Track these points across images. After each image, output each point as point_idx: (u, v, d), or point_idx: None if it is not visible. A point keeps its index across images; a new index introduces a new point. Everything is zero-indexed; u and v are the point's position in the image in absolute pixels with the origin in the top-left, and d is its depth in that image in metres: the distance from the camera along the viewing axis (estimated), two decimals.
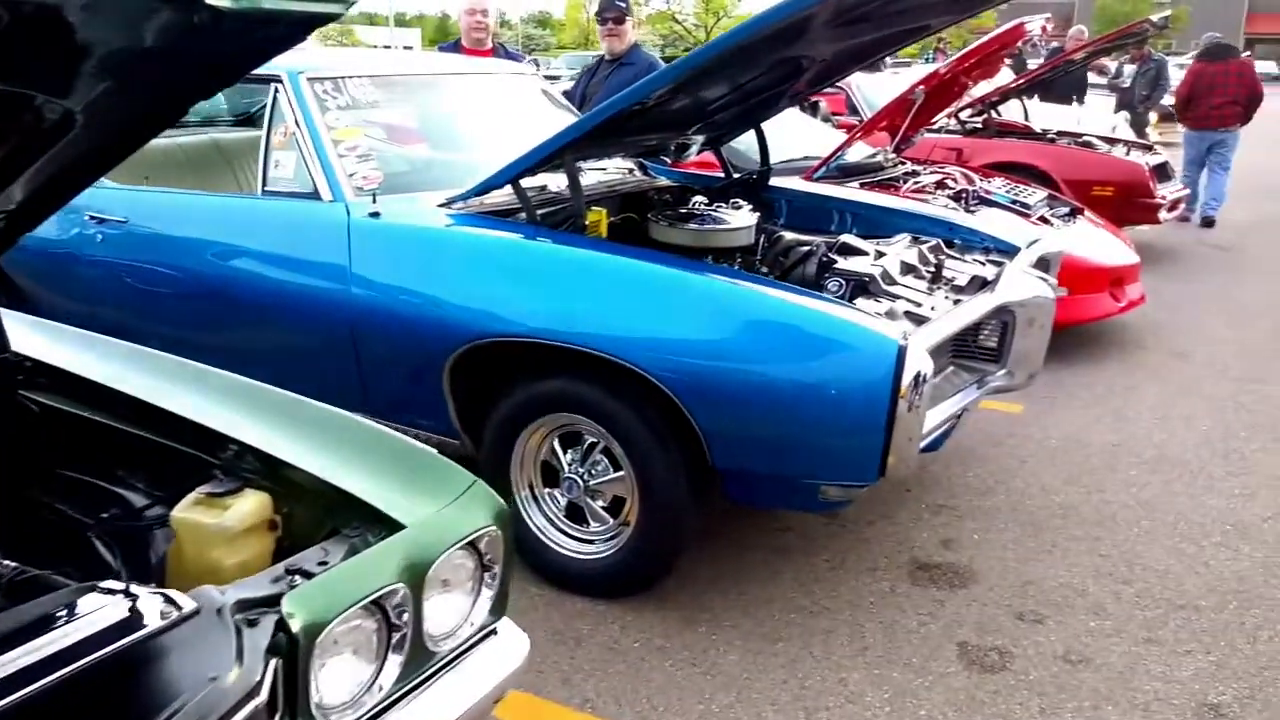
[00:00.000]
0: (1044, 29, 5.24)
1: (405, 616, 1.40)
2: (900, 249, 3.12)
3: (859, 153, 5.50)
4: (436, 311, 2.70)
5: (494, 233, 2.75)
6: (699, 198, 3.67)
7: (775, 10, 2.31)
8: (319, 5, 1.21)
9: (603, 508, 2.74)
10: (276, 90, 3.09)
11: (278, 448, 1.57)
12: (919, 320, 2.58)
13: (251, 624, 1.26)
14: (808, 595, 2.80)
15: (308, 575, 1.36)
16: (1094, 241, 5.05)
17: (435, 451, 1.62)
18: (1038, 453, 3.78)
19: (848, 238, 3.15)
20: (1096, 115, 9.45)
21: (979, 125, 7.22)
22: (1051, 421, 4.10)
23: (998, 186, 5.24)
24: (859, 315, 2.33)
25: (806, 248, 3.17)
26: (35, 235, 3.44)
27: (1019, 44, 5.29)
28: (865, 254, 3.02)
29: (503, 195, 2.97)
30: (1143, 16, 7.24)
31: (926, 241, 3.24)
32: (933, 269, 2.99)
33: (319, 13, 1.22)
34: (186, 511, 1.50)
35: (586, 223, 2.99)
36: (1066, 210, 5.35)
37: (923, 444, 2.59)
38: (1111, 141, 7.26)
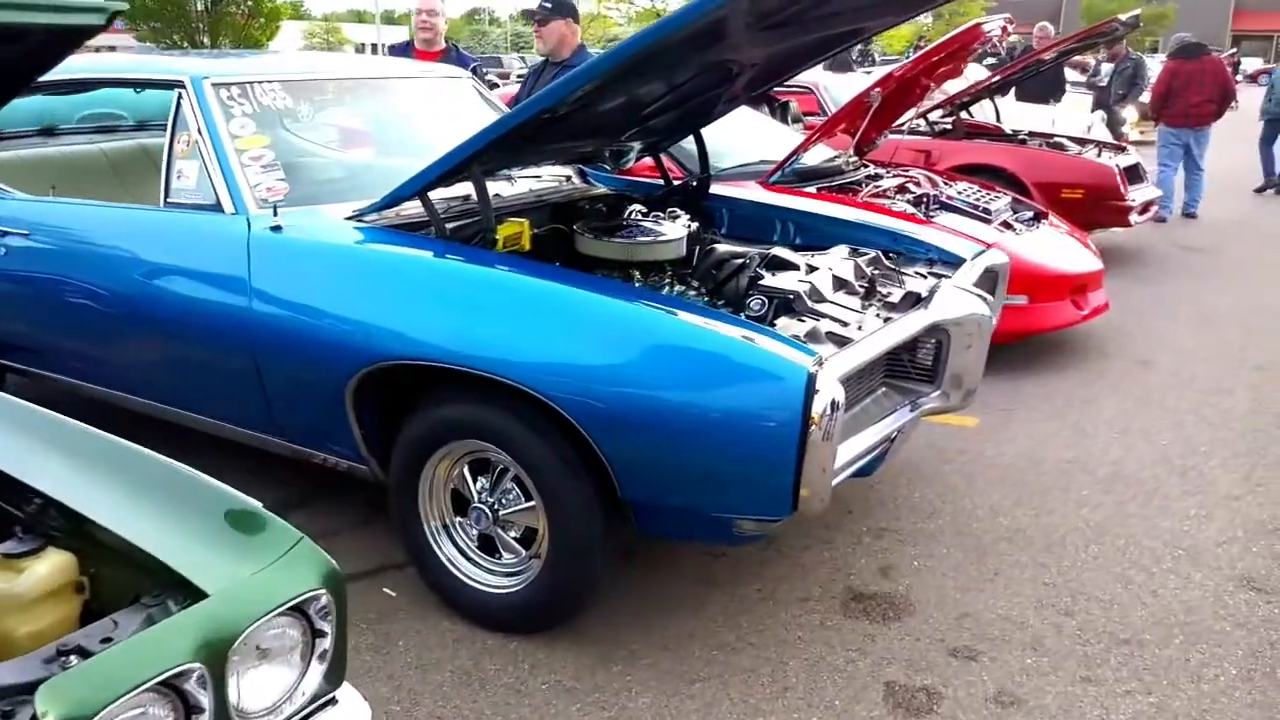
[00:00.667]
0: (1004, 29, 5.10)
1: (205, 697, 1.24)
2: (835, 262, 2.97)
3: (819, 156, 5.36)
4: (336, 332, 2.55)
5: (395, 249, 2.60)
6: (636, 207, 3.53)
7: (676, 16, 2.17)
8: (73, 17, 1.06)
9: (515, 539, 2.60)
10: (180, 96, 2.93)
11: (87, 501, 1.42)
12: (842, 341, 2.43)
13: (7, 716, 1.11)
14: (734, 629, 2.65)
15: (85, 654, 1.21)
16: (1056, 247, 4.91)
17: (260, 506, 1.47)
18: (988, 470, 3.64)
19: (779, 250, 3.00)
20: (1072, 115, 9.32)
21: (948, 126, 7.08)
22: (1006, 436, 3.96)
23: (960, 191, 5.09)
24: (767, 340, 2.18)
25: (740, 260, 3.03)
26: None
27: (977, 44, 5.15)
28: (796, 268, 2.87)
29: (419, 207, 2.82)
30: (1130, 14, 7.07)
31: (865, 254, 3.10)
32: (866, 284, 2.84)
33: (74, 25, 1.07)
34: None
35: (503, 235, 2.84)
36: (1030, 215, 5.21)
37: (848, 472, 2.45)
38: (1083, 142, 7.12)
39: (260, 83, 3.04)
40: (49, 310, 3.18)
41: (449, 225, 2.82)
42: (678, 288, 2.99)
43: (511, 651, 2.55)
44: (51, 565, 1.37)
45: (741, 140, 5.38)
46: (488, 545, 2.64)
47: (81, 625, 1.37)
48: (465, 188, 3.10)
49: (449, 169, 2.59)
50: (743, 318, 2.60)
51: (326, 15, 66.51)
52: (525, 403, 2.33)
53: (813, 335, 2.44)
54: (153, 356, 3.01)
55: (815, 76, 7.44)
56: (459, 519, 2.65)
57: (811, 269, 2.88)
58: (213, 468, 3.22)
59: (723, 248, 3.14)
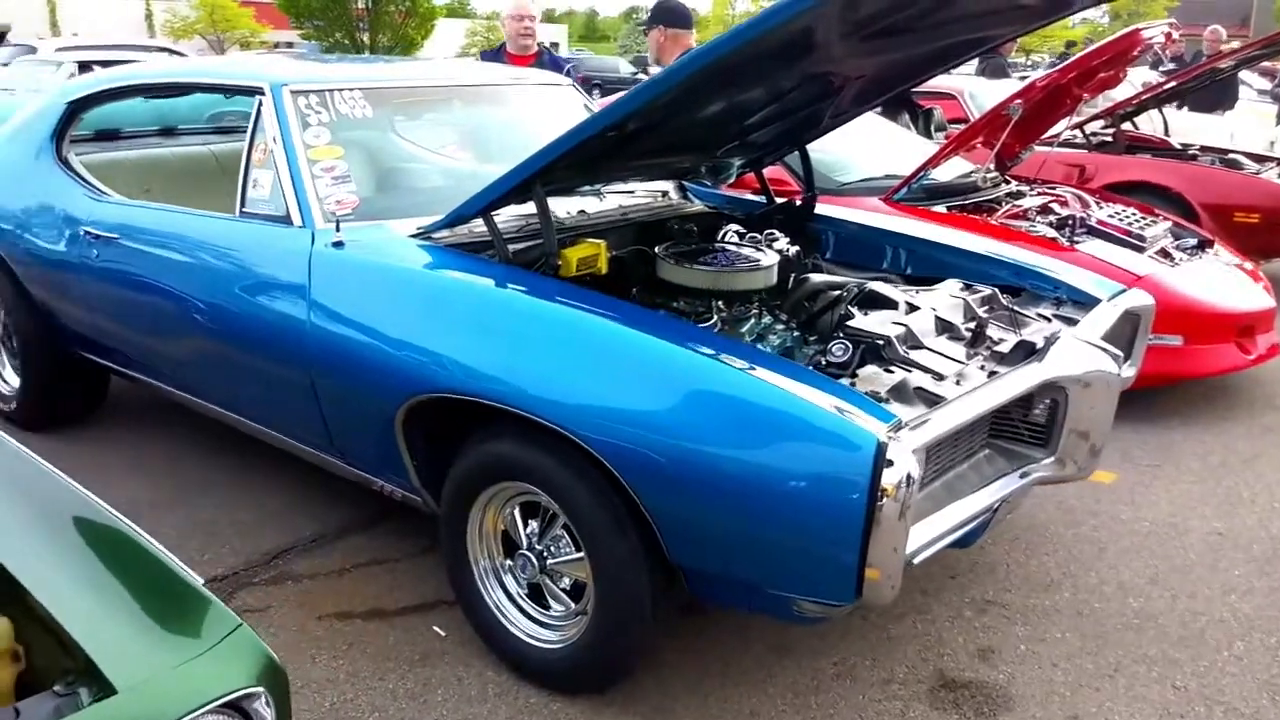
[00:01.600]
0: (1168, 36, 4.56)
1: None
2: (942, 300, 2.64)
3: (954, 170, 4.95)
4: (386, 357, 2.41)
5: (444, 272, 2.44)
6: (732, 227, 3.27)
7: (736, 32, 1.92)
8: None
9: (564, 590, 2.40)
10: (260, 103, 2.86)
11: (26, 565, 1.29)
12: (933, 400, 2.12)
13: None
14: (800, 709, 2.37)
15: None
16: (1219, 281, 4.35)
17: (201, 584, 1.30)
18: (1122, 538, 3.21)
19: (877, 285, 2.68)
20: (1252, 128, 8.44)
21: (1107, 139, 6.48)
22: (1147, 498, 3.50)
23: (1113, 214, 4.59)
24: (834, 398, 1.89)
25: (836, 292, 2.73)
26: (45, 250, 3.37)
27: (1136, 51, 4.62)
28: (893, 306, 2.56)
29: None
30: None
31: (980, 291, 2.75)
32: (974, 328, 2.50)
33: None
34: None
35: (575, 257, 2.64)
36: (1193, 242, 4.65)
37: (936, 547, 2.13)
38: (1263, 160, 6.38)
39: (340, 90, 2.93)
40: (134, 313, 3.18)
41: (519, 245, 2.65)
42: (764, 320, 2.73)
43: (553, 713, 2.35)
44: None
45: (867, 152, 5.03)
46: (538, 594, 2.45)
47: (17, 696, 1.24)
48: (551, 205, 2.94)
49: (510, 188, 2.40)
50: (823, 363, 2.32)
51: (490, 14, 68.38)
52: (570, 446, 2.12)
53: (899, 391, 2.13)
54: (224, 367, 2.96)
55: (960, 82, 6.97)
56: (509, 562, 2.47)
57: (912, 308, 2.56)
58: (289, 483, 3.16)
59: (817, 278, 2.85)
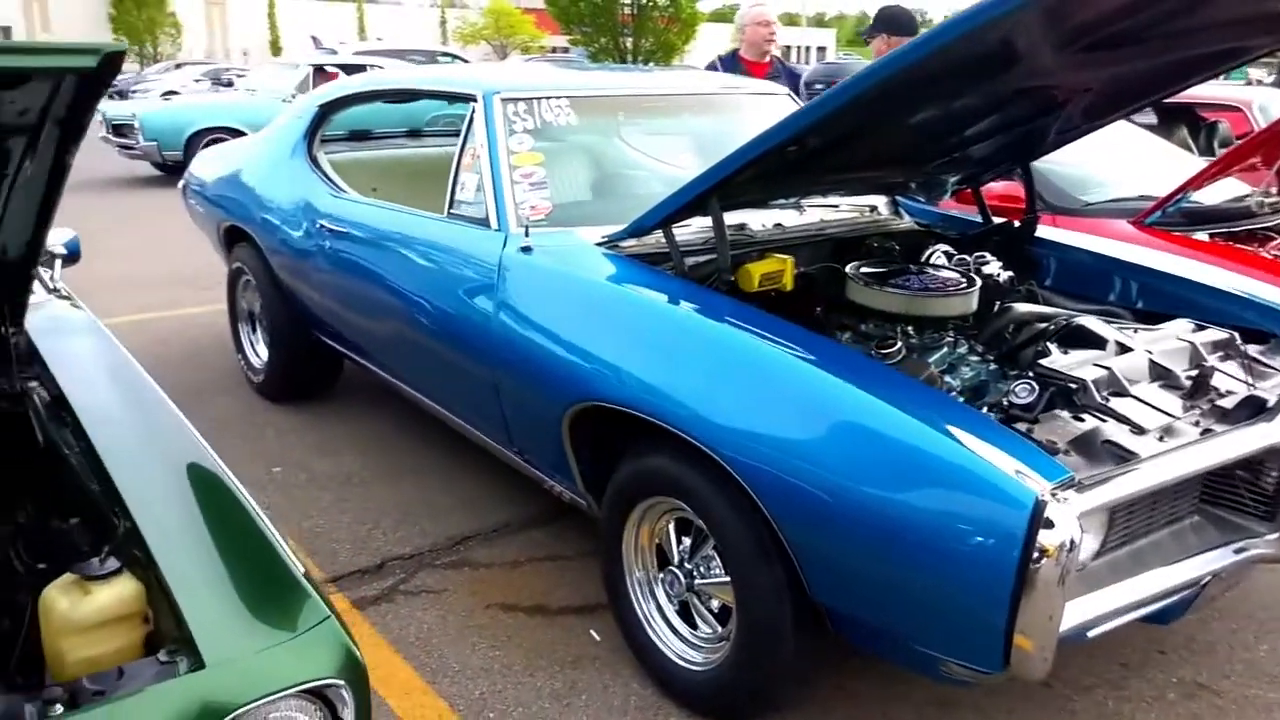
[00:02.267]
0: None
1: None
2: (1164, 341, 2.35)
3: (1225, 193, 4.42)
4: (556, 361, 2.46)
5: (617, 282, 2.45)
6: (940, 248, 3.08)
7: (918, 44, 1.79)
8: (62, 59, 1.00)
9: (712, 612, 2.35)
10: (473, 109, 3.00)
11: (160, 536, 1.40)
12: (1124, 456, 1.88)
13: None
14: None
15: (73, 704, 1.17)
16: None
17: (301, 573, 1.36)
18: None
19: (1090, 320, 2.43)
20: None
21: None
22: None
23: None
24: (991, 447, 1.72)
25: (1044, 324, 2.51)
26: (291, 239, 3.71)
27: None
28: (1101, 345, 2.30)
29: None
30: None
31: (1214, 333, 2.42)
32: (1196, 377, 2.20)
33: (64, 66, 1.01)
34: (50, 592, 1.38)
35: (759, 273, 2.58)
36: None
37: (1120, 620, 1.90)
38: None
39: (547, 99, 3.02)
40: (356, 302, 3.43)
41: (701, 258, 2.62)
42: (958, 350, 2.54)
43: None
44: (116, 594, 1.36)
45: (1122, 169, 4.59)
46: (688, 612, 2.42)
47: (146, 655, 1.36)
48: (740, 218, 2.89)
49: (687, 202, 2.38)
50: (1005, 404, 2.13)
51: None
52: (719, 467, 2.07)
53: (1083, 443, 1.91)
54: (427, 359, 3.12)
55: (1249, 93, 6.22)
56: (661, 576, 2.45)
57: (1124, 348, 2.29)
58: (485, 472, 3.28)
59: (1023, 308, 2.62)
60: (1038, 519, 1.60)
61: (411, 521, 3.25)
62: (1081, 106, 2.67)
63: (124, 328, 5.16)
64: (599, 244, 2.66)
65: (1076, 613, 1.78)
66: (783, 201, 3.03)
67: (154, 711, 1.16)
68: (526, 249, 2.66)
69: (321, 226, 3.52)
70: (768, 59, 4.88)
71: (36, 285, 2.33)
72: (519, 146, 2.90)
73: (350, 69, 10.71)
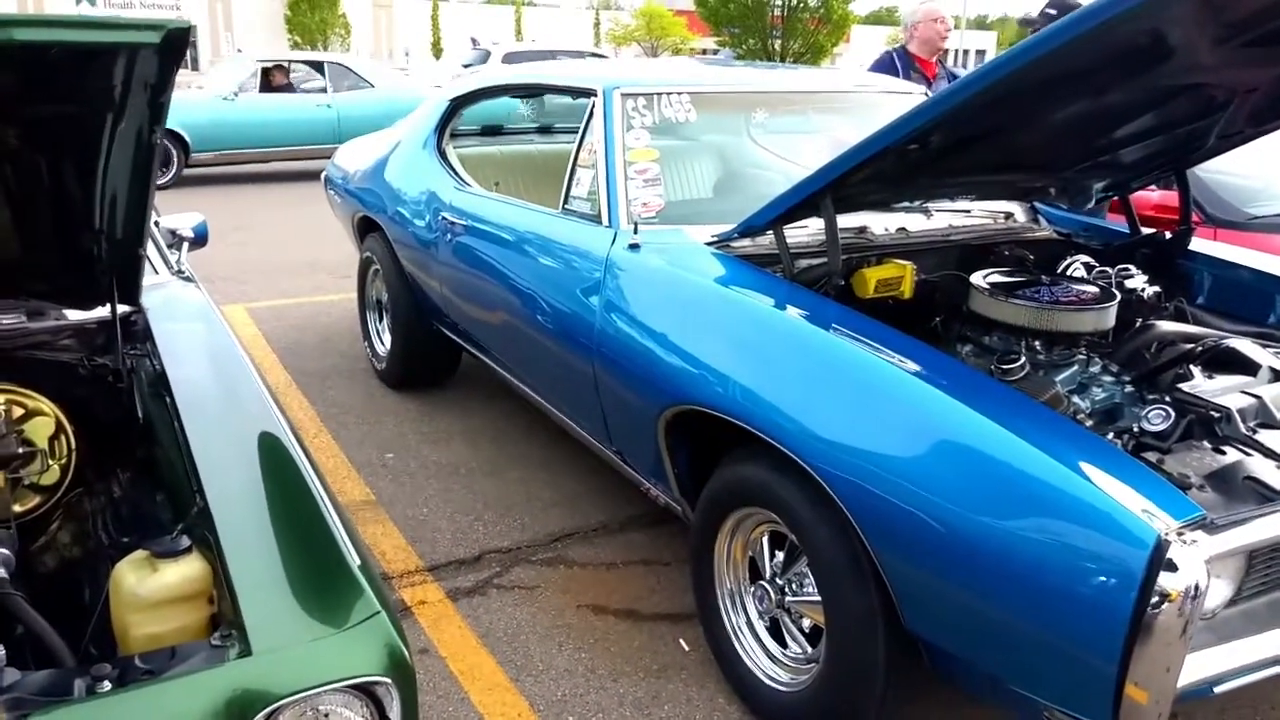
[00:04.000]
0: None
1: None
2: None
3: None
4: (655, 361, 2.39)
5: (720, 283, 2.36)
6: (1080, 259, 2.88)
7: (1044, 37, 1.64)
8: (126, 34, 1.00)
9: (803, 632, 2.25)
10: (592, 104, 2.97)
11: (228, 518, 1.41)
12: (1269, 495, 1.68)
13: None
14: None
15: (122, 681, 1.18)
16: None
17: (357, 566, 1.34)
18: None
19: (1242, 343, 2.20)
20: None
21: None
22: None
23: None
24: (1113, 478, 1.55)
25: (1189, 345, 2.29)
26: (416, 229, 3.78)
27: None
28: (1254, 370, 2.08)
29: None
30: None
31: None
32: None
33: (129, 41, 1.01)
34: (121, 567, 1.41)
35: (876, 278, 2.48)
36: None
37: (1262, 674, 1.70)
38: None
39: (668, 94, 2.96)
40: (472, 294, 3.45)
41: (815, 261, 2.51)
42: (1091, 370, 2.35)
43: None
44: (183, 573, 1.38)
45: None
46: (778, 630, 2.32)
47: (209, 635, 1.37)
48: (862, 219, 2.77)
49: (798, 202, 2.27)
50: (1137, 430, 1.94)
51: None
52: (814, 482, 1.96)
53: (1222, 478, 1.72)
54: (536, 354, 3.10)
55: None
56: (752, 589, 2.36)
57: (1278, 376, 2.06)
58: (590, 470, 3.26)
59: (1167, 326, 2.40)
60: (1159, 560, 1.44)
61: (513, 515, 3.25)
62: (1246, 109, 2.42)
63: (265, 312, 5.41)
64: (709, 243, 2.58)
65: (1202, 666, 1.60)
66: (907, 205, 2.88)
67: (197, 696, 1.15)
68: (634, 246, 2.61)
69: (444, 219, 3.56)
70: (936, 58, 4.69)
71: (161, 266, 2.42)
72: (635, 142, 2.85)
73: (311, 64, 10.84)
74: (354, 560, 1.35)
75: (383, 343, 4.42)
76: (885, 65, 4.59)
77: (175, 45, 1.06)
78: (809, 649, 2.22)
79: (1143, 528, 1.47)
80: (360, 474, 3.51)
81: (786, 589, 2.23)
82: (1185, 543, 1.45)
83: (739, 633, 2.37)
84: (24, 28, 0.97)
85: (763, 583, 2.28)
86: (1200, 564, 1.44)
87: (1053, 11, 4.05)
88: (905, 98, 3.44)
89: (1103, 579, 1.50)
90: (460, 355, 4.16)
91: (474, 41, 31.58)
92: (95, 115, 1.24)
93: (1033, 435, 1.67)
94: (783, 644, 2.30)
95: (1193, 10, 1.70)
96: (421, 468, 3.58)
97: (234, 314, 5.40)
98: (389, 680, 1.24)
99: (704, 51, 37.32)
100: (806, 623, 2.24)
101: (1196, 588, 1.44)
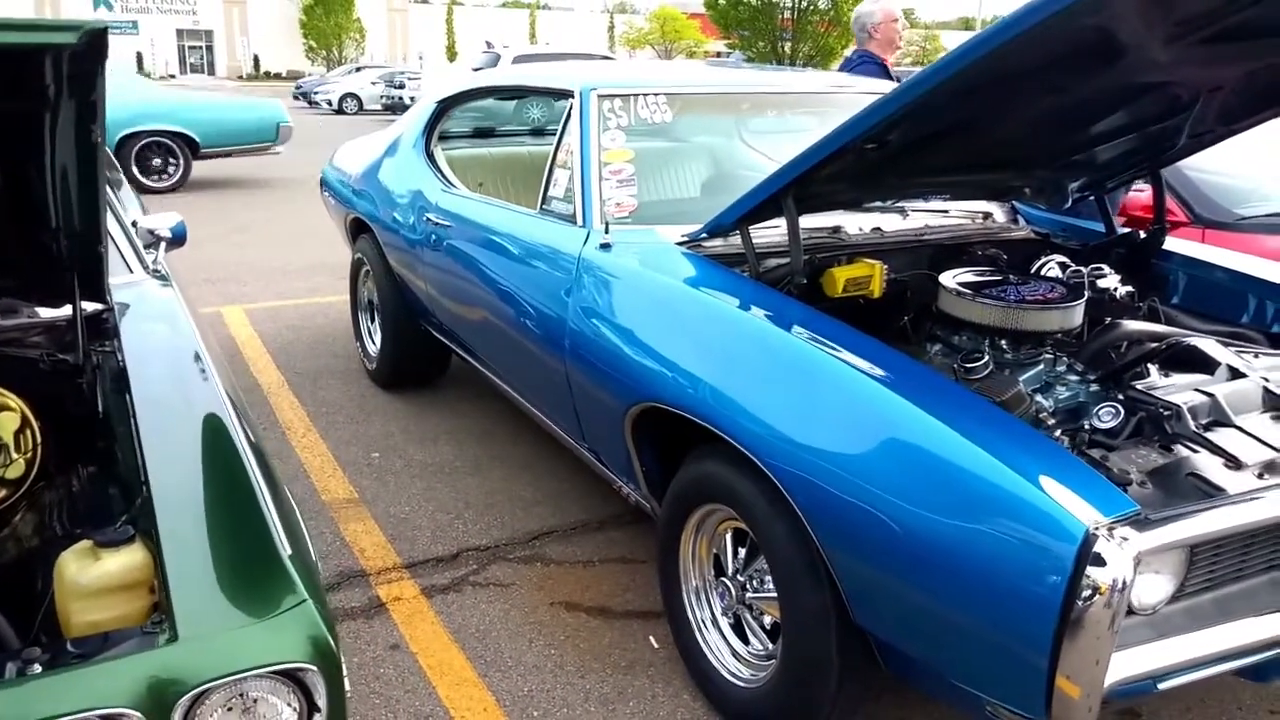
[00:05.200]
0: None
1: None
2: None
3: None
4: (620, 359, 2.42)
5: (685, 283, 2.38)
6: (1055, 258, 2.88)
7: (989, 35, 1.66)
8: (42, 35, 1.03)
9: (764, 629, 2.26)
10: (570, 105, 2.99)
11: (168, 508, 1.44)
12: (1210, 492, 1.68)
13: None
14: None
15: (52, 664, 1.21)
16: None
17: (288, 555, 1.36)
18: None
19: (1205, 342, 2.20)
20: None
21: None
22: None
23: None
24: (1048, 475, 1.56)
25: (1154, 345, 2.29)
26: (403, 229, 3.81)
27: None
28: (1212, 368, 2.08)
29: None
30: None
31: None
32: None
33: (46, 43, 1.04)
34: (65, 555, 1.44)
35: (844, 278, 2.49)
36: None
37: (1203, 673, 1.70)
38: None
39: (644, 95, 2.98)
40: (454, 293, 3.48)
41: (779, 260, 2.52)
42: (1057, 369, 2.35)
43: None
44: (123, 562, 1.41)
45: None
46: (741, 626, 2.33)
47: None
48: (837, 219, 2.79)
49: (761, 201, 2.29)
50: (1087, 427, 1.95)
51: (930, 23, 66.67)
52: (769, 478, 1.98)
53: (1163, 475, 1.73)
54: (515, 354, 3.13)
55: None
56: (716, 586, 2.37)
57: (1236, 374, 2.07)
58: (573, 470, 3.27)
59: (1131, 325, 2.40)
60: (1086, 554, 1.45)
61: (494, 514, 3.28)
62: (1214, 108, 2.42)
63: (262, 313, 5.47)
64: (679, 243, 2.60)
65: (1143, 661, 1.61)
66: (882, 205, 2.90)
67: (123, 679, 1.18)
68: (606, 246, 2.63)
69: (428, 219, 3.59)
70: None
71: (136, 266, 2.46)
72: (611, 143, 2.88)
73: None
74: (284, 550, 1.38)
75: (374, 343, 4.45)
76: (866, 68, 4.58)
77: (96, 45, 1.09)
78: (769, 646, 2.24)
79: (1072, 521, 1.48)
80: (345, 472, 3.55)
81: (747, 585, 2.25)
82: (1114, 537, 1.46)
83: (703, 629, 2.39)
84: None
85: (725, 579, 2.30)
86: (1128, 558, 1.45)
87: None
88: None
89: (1033, 573, 1.51)
90: (450, 356, 4.19)
91: (488, 45, 31.71)
92: (34, 115, 1.28)
93: (974, 432, 1.68)
94: (745, 640, 2.31)
95: (1137, 7, 1.71)
96: (406, 467, 3.61)
97: (232, 315, 5.46)
98: (314, 667, 1.26)
99: (718, 54, 37.33)
100: (767, 619, 2.25)
101: (1124, 582, 1.45)
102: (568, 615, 2.72)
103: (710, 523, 2.34)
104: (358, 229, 4.43)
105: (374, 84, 27.90)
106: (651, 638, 2.62)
